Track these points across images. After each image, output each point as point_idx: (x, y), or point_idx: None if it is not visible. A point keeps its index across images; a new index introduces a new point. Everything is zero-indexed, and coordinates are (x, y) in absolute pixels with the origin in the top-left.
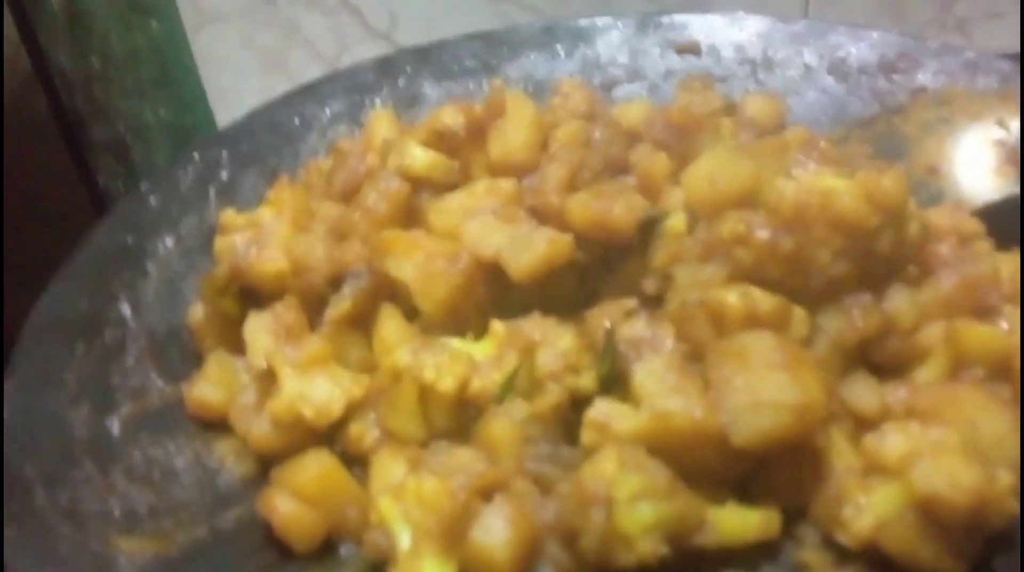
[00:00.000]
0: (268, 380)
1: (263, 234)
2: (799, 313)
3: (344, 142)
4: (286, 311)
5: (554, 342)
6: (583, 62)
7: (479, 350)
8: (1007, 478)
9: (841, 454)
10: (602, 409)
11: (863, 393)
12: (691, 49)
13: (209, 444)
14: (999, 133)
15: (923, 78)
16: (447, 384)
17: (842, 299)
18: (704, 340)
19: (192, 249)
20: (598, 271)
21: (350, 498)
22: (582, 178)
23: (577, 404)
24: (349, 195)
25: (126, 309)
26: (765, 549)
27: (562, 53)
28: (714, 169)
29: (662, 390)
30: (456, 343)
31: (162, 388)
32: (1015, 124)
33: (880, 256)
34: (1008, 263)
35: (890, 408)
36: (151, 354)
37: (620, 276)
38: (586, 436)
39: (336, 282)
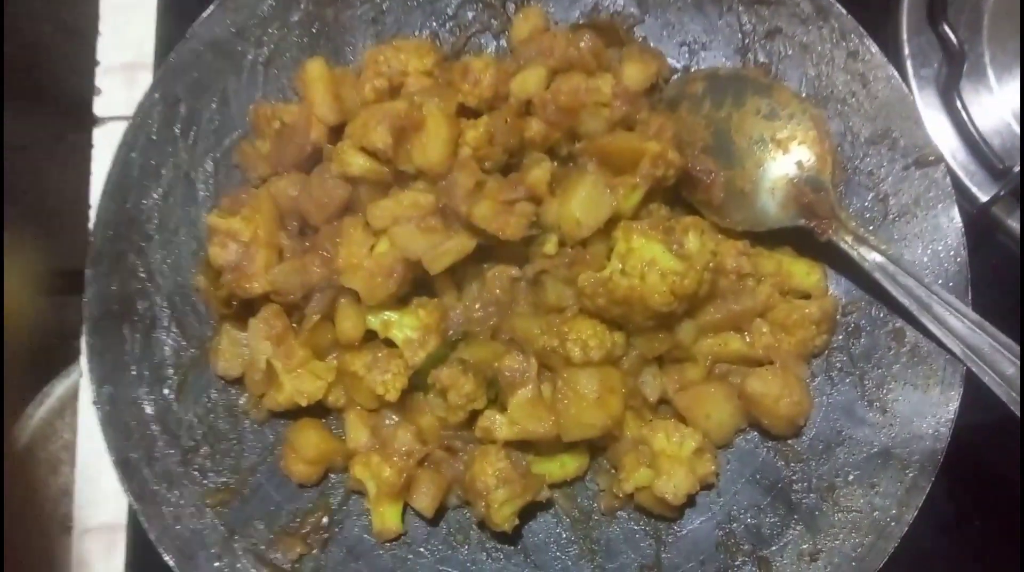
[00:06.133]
0: (271, 371)
1: (248, 254)
2: (620, 338)
3: (288, 112)
4: (273, 319)
5: (461, 386)
6: None
7: (408, 324)
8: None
9: (629, 426)
10: (488, 418)
11: (650, 386)
12: None
13: (234, 398)
14: (795, 171)
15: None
16: (392, 396)
17: (648, 333)
18: (557, 367)
19: (177, 202)
20: (493, 249)
21: (337, 452)
22: (486, 169)
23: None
24: (301, 166)
25: (144, 276)
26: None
27: None
28: (580, 214)
29: (525, 416)
30: (393, 317)
31: (193, 354)
32: (809, 163)
33: (676, 315)
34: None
35: (666, 393)
36: (175, 320)
37: (508, 253)
38: (478, 432)
39: (306, 294)
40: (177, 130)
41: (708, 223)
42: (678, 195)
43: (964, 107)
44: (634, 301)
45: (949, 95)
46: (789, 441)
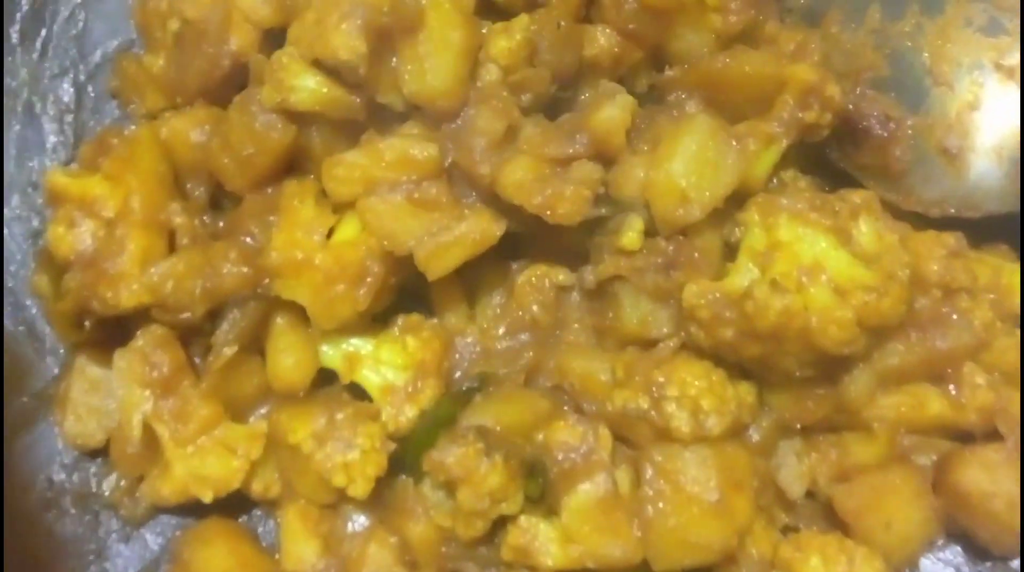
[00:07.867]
0: (152, 440)
1: (114, 240)
2: (749, 395)
3: (194, 6)
4: (156, 350)
5: (482, 477)
6: None
7: (388, 360)
8: None
9: (755, 539)
10: (527, 531)
11: (792, 474)
12: None
13: (92, 483)
14: None
15: None
16: (360, 489)
17: (798, 387)
18: (643, 443)
19: (9, 151)
20: (531, 239)
21: None
22: (523, 106)
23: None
24: (213, 93)
25: None
26: None
27: None
28: (687, 182)
29: (589, 528)
30: (364, 349)
31: (24, 406)
32: None
33: (852, 357)
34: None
35: (815, 483)
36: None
37: (555, 247)
38: (507, 554)
39: (214, 309)
40: (15, 34)
41: (880, 203)
42: (820, 157)
43: None
44: (789, 335)
45: None
46: (1012, 562)
